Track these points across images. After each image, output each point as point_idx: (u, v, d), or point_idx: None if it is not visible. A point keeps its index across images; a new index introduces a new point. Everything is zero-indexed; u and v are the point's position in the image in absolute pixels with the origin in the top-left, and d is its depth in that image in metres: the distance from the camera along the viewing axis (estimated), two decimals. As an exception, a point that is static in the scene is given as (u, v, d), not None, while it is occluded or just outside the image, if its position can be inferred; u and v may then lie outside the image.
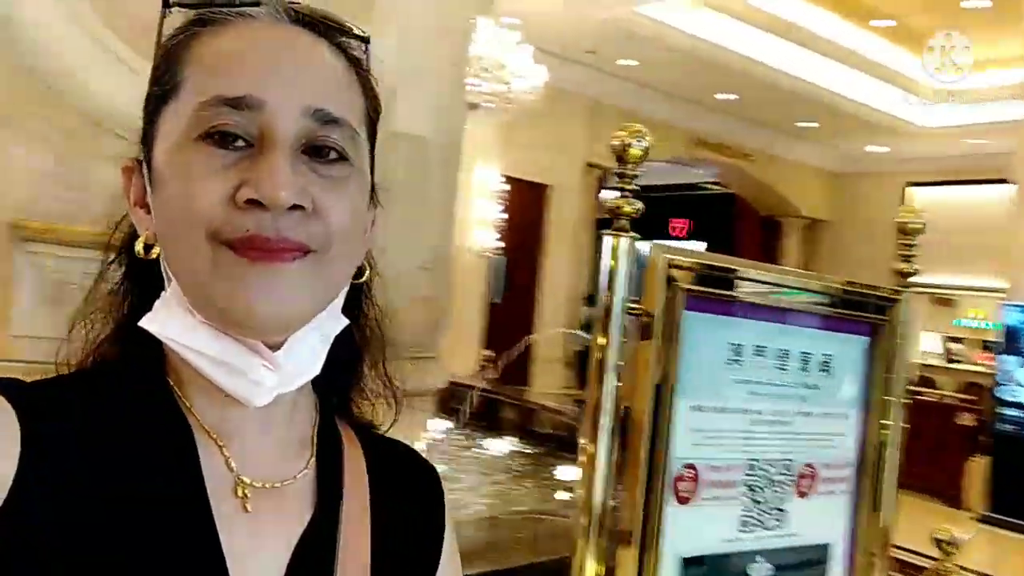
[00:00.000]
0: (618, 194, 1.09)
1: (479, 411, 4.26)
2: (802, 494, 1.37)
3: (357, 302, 0.71)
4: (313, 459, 0.67)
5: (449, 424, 4.07)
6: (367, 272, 0.70)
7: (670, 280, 1.16)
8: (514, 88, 8.92)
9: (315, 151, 0.60)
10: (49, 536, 0.54)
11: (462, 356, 11.41)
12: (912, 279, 1.44)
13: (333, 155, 0.61)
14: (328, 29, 0.64)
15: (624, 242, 1.13)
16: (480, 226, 11.63)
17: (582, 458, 1.11)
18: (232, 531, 0.60)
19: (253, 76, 0.58)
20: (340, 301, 0.66)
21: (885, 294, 1.42)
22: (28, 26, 2.13)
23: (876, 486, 1.43)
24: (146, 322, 0.61)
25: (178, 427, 0.61)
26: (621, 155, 1.09)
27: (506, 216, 11.73)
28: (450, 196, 3.23)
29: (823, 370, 1.39)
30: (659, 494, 1.16)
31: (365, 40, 0.67)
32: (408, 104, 2.72)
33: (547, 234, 12.61)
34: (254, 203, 0.56)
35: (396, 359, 0.75)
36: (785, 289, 1.27)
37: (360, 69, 0.66)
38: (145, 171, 0.63)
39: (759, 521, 1.30)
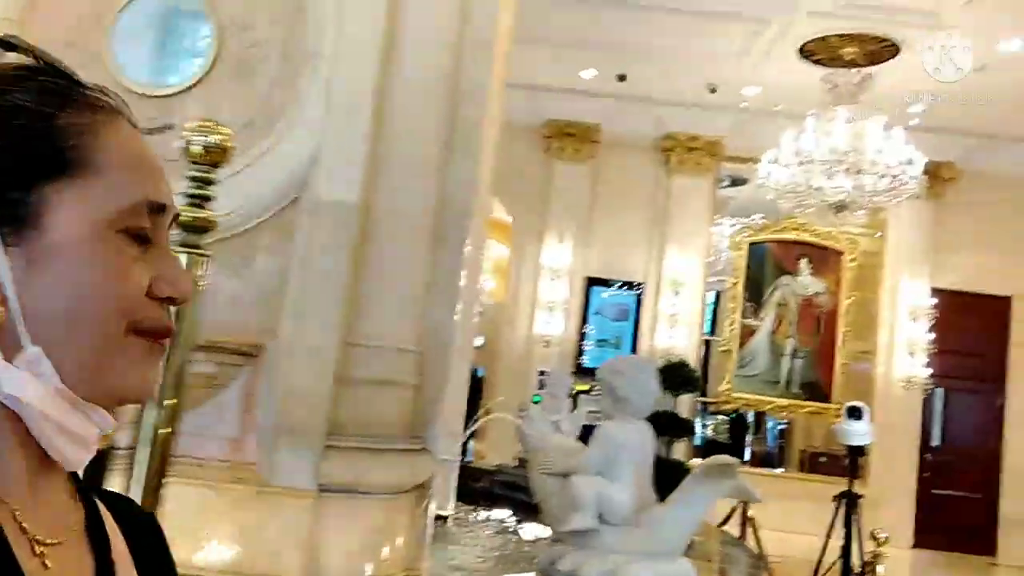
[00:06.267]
0: None
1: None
2: None
3: None
4: (82, 511, 0.70)
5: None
6: None
7: None
8: (900, 179, 7.52)
9: None
10: None
11: (893, 509, 9.40)
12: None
13: None
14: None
15: None
16: (909, 352, 9.78)
17: None
18: None
19: (163, 184, 0.67)
20: None
21: None
22: None
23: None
24: (9, 387, 0.62)
25: None
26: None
27: (934, 337, 9.65)
28: (448, 273, 2.86)
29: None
30: None
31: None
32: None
33: (1012, 358, 9.93)
34: (167, 297, 0.65)
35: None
36: None
37: None
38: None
39: None
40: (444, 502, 4.13)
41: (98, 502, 0.73)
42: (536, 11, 7.59)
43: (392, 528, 2.70)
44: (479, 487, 5.17)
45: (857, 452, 4.32)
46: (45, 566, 0.63)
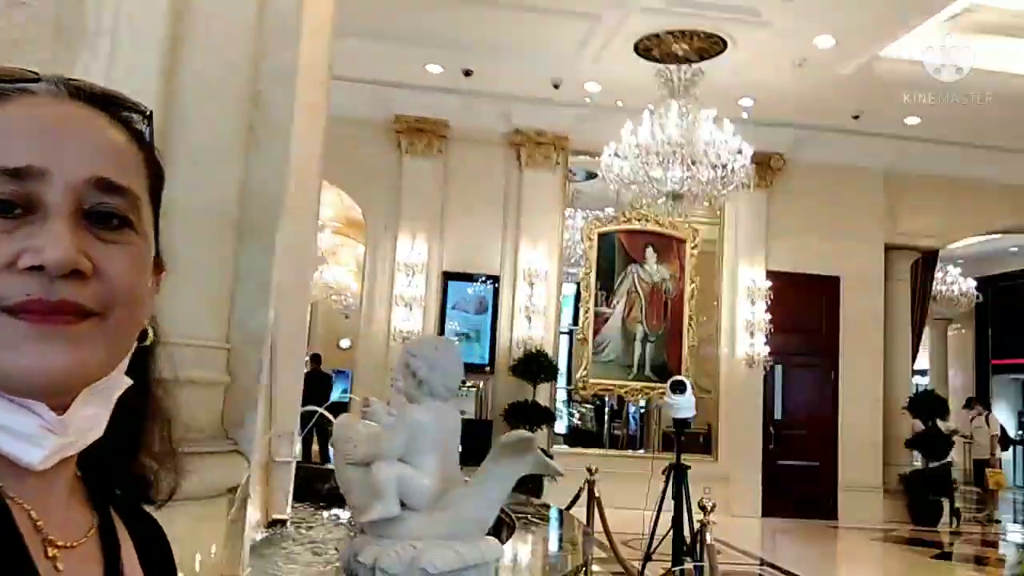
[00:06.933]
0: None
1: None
2: None
3: (142, 367, 0.72)
4: (96, 517, 0.70)
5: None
6: (150, 336, 0.71)
7: None
8: (733, 169, 7.91)
9: (99, 218, 0.62)
10: None
11: (743, 482, 9.91)
12: None
13: (116, 222, 0.63)
14: (108, 104, 0.67)
15: None
16: (748, 332, 10.32)
17: None
18: None
19: (34, 147, 0.60)
20: (124, 364, 0.67)
21: None
22: None
23: None
24: None
25: None
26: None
27: (770, 317, 10.25)
28: (258, 266, 2.75)
29: None
30: None
31: (146, 114, 0.70)
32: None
33: (843, 334, 10.69)
34: (34, 268, 0.58)
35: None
36: None
37: (142, 141, 0.68)
38: None
39: None
40: (282, 505, 3.99)
41: (112, 510, 0.74)
42: (377, 5, 7.49)
43: (204, 536, 2.56)
44: (325, 488, 5.05)
45: (682, 425, 4.50)
46: (57, 568, 0.64)
